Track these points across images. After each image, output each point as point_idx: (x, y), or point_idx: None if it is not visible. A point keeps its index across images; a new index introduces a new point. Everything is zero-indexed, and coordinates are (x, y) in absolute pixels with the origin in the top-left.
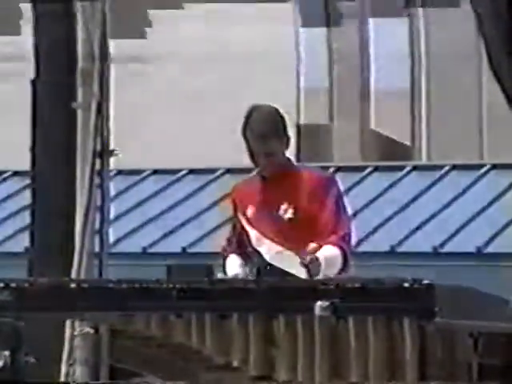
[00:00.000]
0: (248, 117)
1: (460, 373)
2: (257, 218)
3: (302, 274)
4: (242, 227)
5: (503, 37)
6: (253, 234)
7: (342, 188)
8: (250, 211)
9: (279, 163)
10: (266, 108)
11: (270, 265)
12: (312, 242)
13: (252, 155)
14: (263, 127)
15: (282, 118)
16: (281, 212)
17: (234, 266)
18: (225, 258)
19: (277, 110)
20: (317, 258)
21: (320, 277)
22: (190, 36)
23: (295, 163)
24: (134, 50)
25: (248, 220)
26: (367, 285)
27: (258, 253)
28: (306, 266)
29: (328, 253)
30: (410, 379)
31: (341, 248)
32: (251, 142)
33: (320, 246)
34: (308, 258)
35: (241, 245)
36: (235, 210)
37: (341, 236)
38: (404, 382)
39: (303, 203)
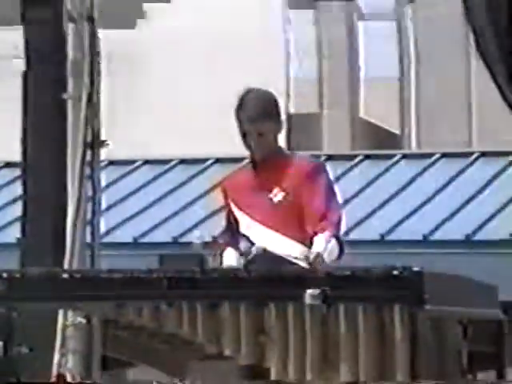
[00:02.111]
0: (242, 98)
1: (450, 359)
2: (247, 203)
3: (290, 256)
4: (233, 215)
5: (491, 21)
6: (243, 218)
7: (332, 176)
8: (240, 197)
9: (270, 145)
10: (260, 90)
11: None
12: (301, 226)
13: (244, 136)
14: (257, 108)
15: (275, 101)
16: (271, 195)
17: (230, 259)
18: (221, 252)
19: (270, 93)
20: (319, 254)
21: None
22: (179, 26)
23: (286, 150)
24: (124, 40)
25: (238, 205)
26: (357, 273)
27: (248, 238)
28: (310, 263)
29: (326, 244)
30: (401, 366)
31: (336, 236)
32: (244, 122)
33: (315, 234)
34: (311, 256)
35: (235, 235)
36: (226, 197)
37: (332, 221)
38: (394, 368)
39: (293, 188)
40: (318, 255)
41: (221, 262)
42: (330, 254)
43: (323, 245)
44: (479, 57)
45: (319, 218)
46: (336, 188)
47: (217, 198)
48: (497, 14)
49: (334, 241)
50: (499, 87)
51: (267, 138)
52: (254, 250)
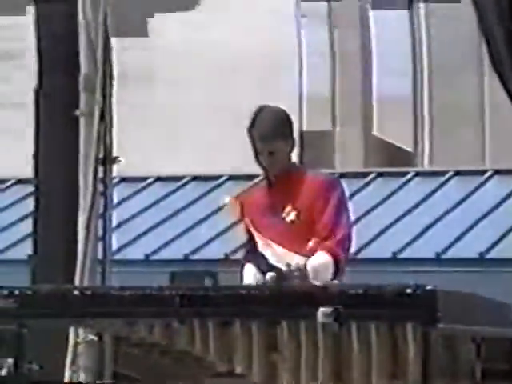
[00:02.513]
0: (255, 116)
1: (463, 378)
2: (262, 222)
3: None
4: (251, 232)
5: (506, 35)
6: (259, 237)
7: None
8: (255, 215)
9: (283, 164)
10: (273, 108)
11: (276, 268)
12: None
13: (257, 155)
14: (268, 127)
15: (288, 119)
16: (284, 215)
17: (248, 275)
18: (242, 267)
19: (283, 111)
20: (304, 267)
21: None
22: (191, 41)
23: (300, 166)
24: (135, 55)
25: (254, 224)
26: (370, 291)
27: (264, 257)
28: (292, 274)
29: (317, 261)
30: None
31: (333, 254)
32: (256, 140)
33: (315, 248)
34: (294, 267)
35: (255, 250)
36: (243, 215)
37: (337, 240)
38: None
39: (305, 206)
40: (299, 268)
41: (241, 277)
42: (320, 273)
43: (313, 261)
44: (491, 65)
45: (325, 237)
46: (349, 205)
47: (232, 213)
48: (508, 20)
49: (328, 260)
50: (510, 95)
51: (279, 157)
52: (267, 279)
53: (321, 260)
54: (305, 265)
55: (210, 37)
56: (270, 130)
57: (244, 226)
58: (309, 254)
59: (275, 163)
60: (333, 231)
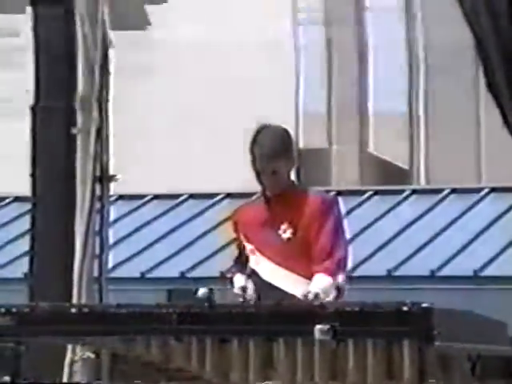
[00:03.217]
0: (256, 135)
1: None
2: (256, 238)
3: (297, 292)
4: (244, 247)
5: (503, 57)
6: (252, 253)
7: (342, 211)
8: (250, 231)
9: (283, 183)
10: (274, 127)
11: (269, 284)
12: (308, 263)
13: (257, 173)
14: (271, 146)
15: (289, 137)
16: (280, 232)
17: (239, 283)
18: (231, 278)
19: (285, 130)
20: (317, 295)
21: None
22: (190, 58)
23: (298, 184)
24: (132, 72)
25: (248, 240)
26: (366, 308)
27: (256, 272)
28: (312, 301)
29: (321, 284)
30: None
31: (334, 276)
32: (258, 160)
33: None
34: (310, 295)
35: (245, 266)
36: (237, 230)
37: (336, 261)
38: None
39: (303, 224)
40: (317, 296)
41: (231, 288)
42: (325, 295)
43: (319, 285)
44: (486, 87)
45: (323, 258)
46: (345, 224)
47: (228, 230)
48: (504, 40)
49: (330, 282)
50: (504, 117)
51: (281, 176)
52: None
53: (323, 282)
54: (317, 293)
55: (209, 55)
56: (273, 149)
57: (236, 242)
58: (302, 273)
59: (277, 182)
60: (331, 253)
